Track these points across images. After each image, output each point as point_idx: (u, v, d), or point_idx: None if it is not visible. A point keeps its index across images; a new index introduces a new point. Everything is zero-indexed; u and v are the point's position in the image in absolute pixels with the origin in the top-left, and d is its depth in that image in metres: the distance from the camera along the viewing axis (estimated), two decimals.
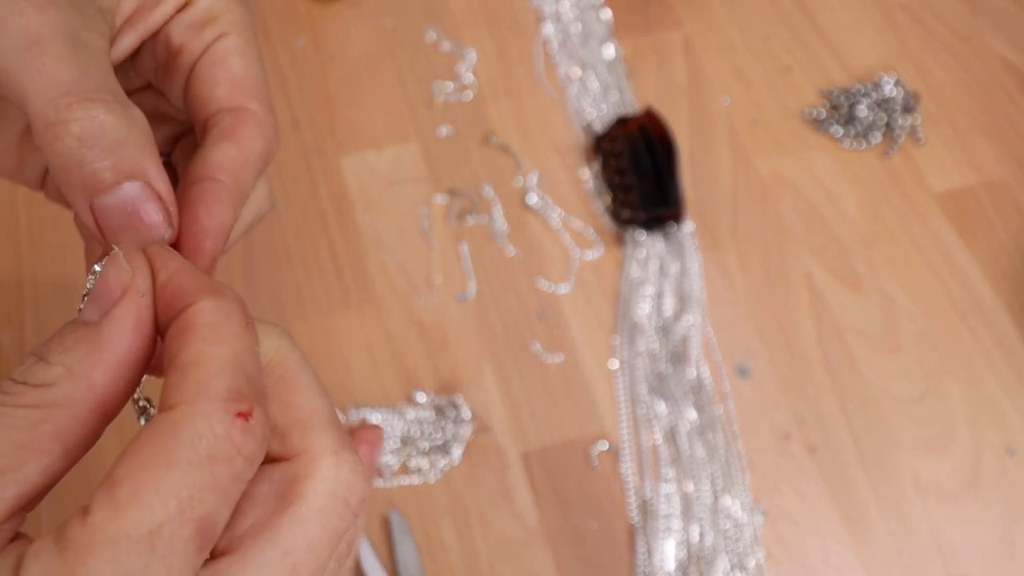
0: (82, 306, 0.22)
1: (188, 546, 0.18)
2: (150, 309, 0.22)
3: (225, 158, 0.25)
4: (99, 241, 0.23)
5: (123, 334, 0.21)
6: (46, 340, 0.21)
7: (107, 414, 0.21)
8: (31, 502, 0.20)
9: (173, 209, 0.24)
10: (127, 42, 0.26)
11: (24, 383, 0.20)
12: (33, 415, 0.20)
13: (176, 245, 0.24)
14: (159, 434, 0.19)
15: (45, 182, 0.30)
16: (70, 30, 0.23)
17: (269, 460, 0.21)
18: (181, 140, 0.30)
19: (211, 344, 0.20)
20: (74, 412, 0.20)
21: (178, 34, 0.26)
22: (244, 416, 0.19)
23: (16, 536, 0.20)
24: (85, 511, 0.18)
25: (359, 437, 0.26)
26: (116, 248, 0.22)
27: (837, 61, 0.69)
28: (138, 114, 0.23)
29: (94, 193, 0.22)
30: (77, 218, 0.29)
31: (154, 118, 0.27)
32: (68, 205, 0.28)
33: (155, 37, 0.27)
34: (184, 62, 0.26)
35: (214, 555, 0.20)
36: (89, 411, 0.20)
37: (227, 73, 0.26)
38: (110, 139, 0.22)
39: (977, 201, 0.63)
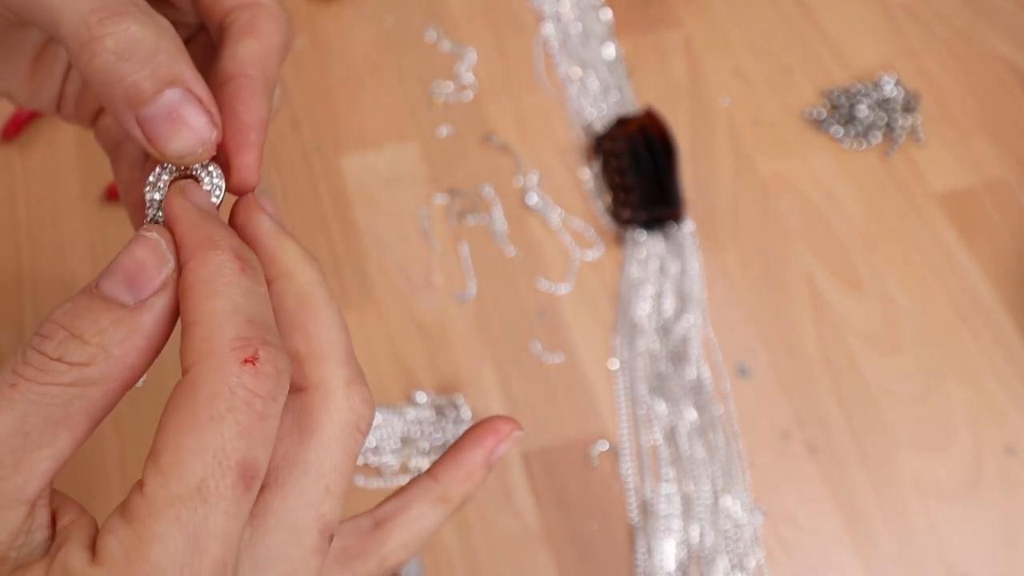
0: (149, 232, 0.23)
1: (235, 490, 0.20)
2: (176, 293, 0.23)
3: (251, 53, 0.26)
4: (149, 152, 0.24)
5: (159, 323, 0.22)
6: (69, 311, 0.22)
7: (130, 387, 0.23)
8: (59, 471, 0.21)
9: (214, 110, 0.24)
10: None
11: (59, 360, 0.21)
12: (69, 392, 0.21)
13: (221, 143, 0.25)
14: (181, 399, 0.21)
15: (60, 104, 0.31)
16: None
17: (291, 390, 0.23)
18: (189, 44, 0.30)
19: (206, 300, 0.21)
20: (106, 391, 0.21)
21: None
22: (253, 360, 0.21)
23: (77, 519, 0.21)
24: (141, 484, 0.20)
25: (491, 428, 0.28)
26: (153, 234, 0.23)
27: (837, 61, 0.69)
28: (164, 22, 0.24)
29: (138, 105, 0.23)
30: (98, 135, 0.31)
31: None
32: (83, 124, 0.31)
33: None
34: None
35: (261, 491, 0.22)
36: (120, 389, 0.22)
37: None
38: (144, 49, 0.22)
39: (978, 201, 0.63)
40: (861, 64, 0.69)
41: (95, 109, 0.31)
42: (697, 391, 0.55)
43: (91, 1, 0.22)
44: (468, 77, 0.65)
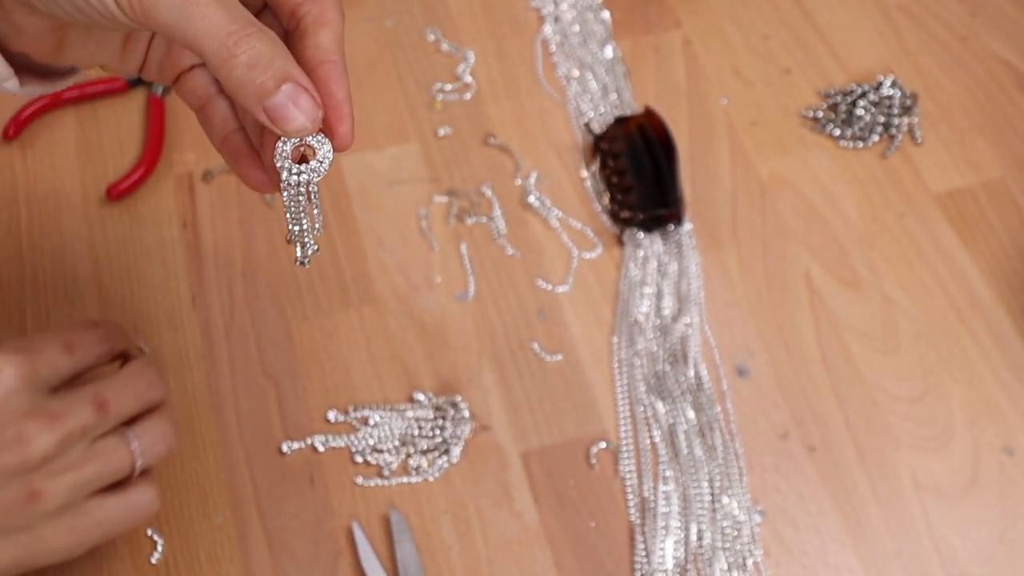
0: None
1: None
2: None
3: (330, 41, 0.34)
4: (272, 130, 0.32)
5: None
6: None
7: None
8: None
9: (315, 95, 0.32)
10: None
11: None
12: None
13: (324, 117, 0.33)
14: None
15: (144, 68, 0.38)
16: None
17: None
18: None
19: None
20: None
21: None
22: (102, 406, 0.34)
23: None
24: None
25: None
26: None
27: (836, 61, 0.69)
28: (273, 34, 0.31)
29: (264, 98, 0.31)
30: (182, 94, 0.38)
31: None
32: (163, 82, 0.39)
33: None
34: None
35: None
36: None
37: None
38: (267, 58, 0.30)
39: (976, 201, 0.63)
40: (859, 64, 0.69)
41: (177, 72, 0.38)
42: (696, 391, 0.55)
43: (225, 26, 0.30)
44: (468, 77, 0.66)
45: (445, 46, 0.67)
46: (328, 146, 0.34)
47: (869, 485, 0.53)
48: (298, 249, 0.36)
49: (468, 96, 0.65)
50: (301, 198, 0.34)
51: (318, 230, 0.35)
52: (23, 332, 0.53)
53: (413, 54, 0.67)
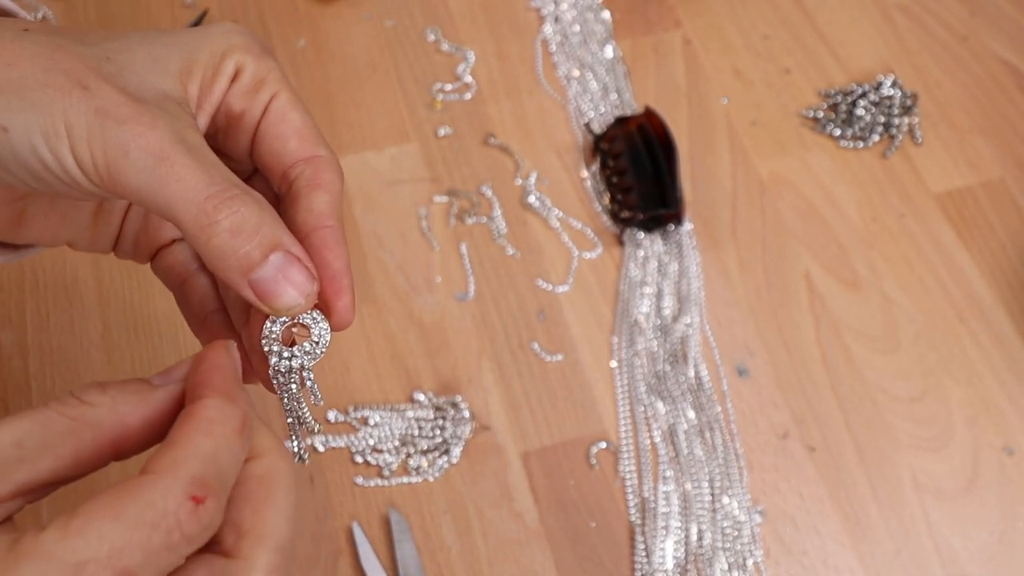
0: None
1: None
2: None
3: (325, 205, 0.29)
4: (259, 308, 0.27)
5: (166, 405, 0.26)
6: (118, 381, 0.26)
7: (117, 453, 0.25)
8: (32, 492, 0.24)
9: (310, 265, 0.28)
10: (202, 124, 0.30)
11: (77, 397, 0.25)
12: (69, 425, 0.24)
13: (319, 292, 0.28)
14: (125, 490, 0.22)
15: (117, 246, 0.34)
16: (179, 136, 0.26)
17: (221, 552, 0.25)
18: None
19: (199, 435, 0.24)
20: (96, 436, 0.24)
21: (237, 102, 0.30)
22: (197, 500, 0.23)
23: (8, 519, 0.24)
24: (42, 527, 0.22)
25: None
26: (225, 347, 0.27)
27: (836, 61, 0.69)
28: (259, 196, 0.27)
29: (249, 271, 0.26)
30: (159, 272, 0.34)
31: None
32: (138, 260, 0.35)
33: (217, 109, 0.30)
34: (247, 123, 0.30)
35: None
36: (107, 442, 0.25)
37: (292, 128, 0.30)
38: (252, 224, 0.26)
39: (975, 201, 0.63)
40: (859, 64, 0.69)
41: (155, 248, 0.34)
42: (696, 391, 0.55)
43: (201, 189, 0.26)
44: (468, 77, 0.66)
45: (445, 46, 0.67)
46: (325, 324, 0.29)
47: (869, 485, 0.53)
48: (294, 443, 0.31)
49: (468, 96, 0.65)
50: (294, 386, 0.29)
51: (317, 426, 0.30)
52: (23, 332, 0.53)
53: (413, 54, 0.67)
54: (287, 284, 0.27)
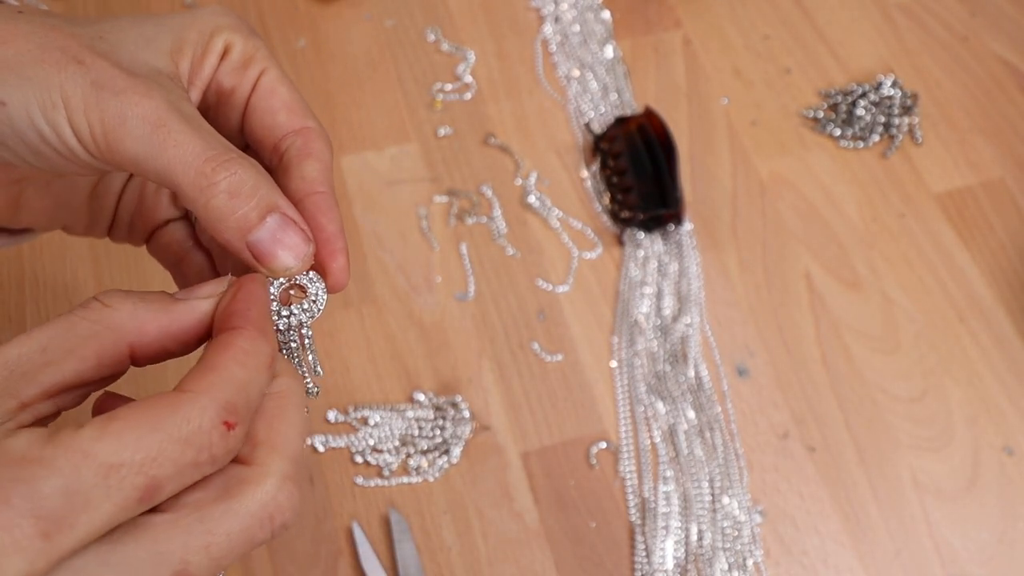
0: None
1: (132, 492, 0.22)
2: (211, 319, 0.27)
3: (316, 172, 0.30)
4: (259, 271, 0.28)
5: (188, 321, 0.27)
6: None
7: (135, 358, 0.26)
8: (60, 395, 0.25)
9: (305, 227, 0.28)
10: (194, 99, 0.30)
11: (100, 301, 0.26)
12: (91, 328, 0.25)
13: (315, 255, 0.29)
14: (165, 402, 0.23)
15: (112, 229, 0.35)
16: (174, 106, 0.27)
17: (236, 460, 0.25)
18: None
19: (234, 364, 0.25)
20: (116, 339, 0.25)
21: (227, 79, 0.31)
22: (229, 426, 0.24)
23: (41, 422, 0.25)
24: (80, 424, 0.22)
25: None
26: (230, 277, 0.28)
27: (836, 61, 0.69)
28: (254, 161, 0.28)
29: (247, 232, 0.27)
30: (154, 252, 0.35)
31: None
32: (134, 243, 0.35)
33: (207, 85, 0.31)
34: (237, 99, 0.31)
35: (153, 511, 0.24)
36: (126, 346, 0.26)
37: (281, 101, 0.31)
38: (249, 186, 0.27)
39: (975, 201, 0.63)
40: (859, 65, 0.69)
41: (150, 229, 0.35)
42: (696, 391, 0.55)
43: (201, 152, 0.26)
44: (468, 77, 0.66)
45: (445, 46, 0.67)
46: (321, 284, 0.30)
47: (869, 485, 0.53)
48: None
49: (468, 96, 0.65)
50: (293, 344, 0.30)
51: (315, 388, 0.31)
52: (23, 332, 0.53)
53: (413, 54, 0.67)
54: (284, 246, 0.28)
